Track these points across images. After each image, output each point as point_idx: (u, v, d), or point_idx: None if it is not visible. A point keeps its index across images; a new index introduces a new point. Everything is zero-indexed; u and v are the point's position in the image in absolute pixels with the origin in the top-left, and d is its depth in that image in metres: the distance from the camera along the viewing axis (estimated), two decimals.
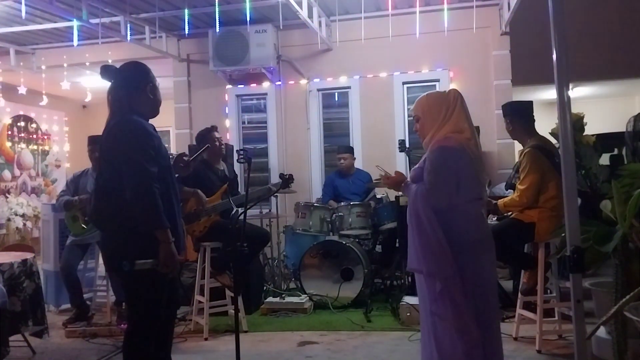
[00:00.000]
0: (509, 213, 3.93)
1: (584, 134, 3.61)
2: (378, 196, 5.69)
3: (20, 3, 5.09)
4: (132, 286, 2.67)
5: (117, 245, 2.61)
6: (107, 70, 2.70)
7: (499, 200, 3.88)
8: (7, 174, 8.58)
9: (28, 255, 4.00)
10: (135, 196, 2.52)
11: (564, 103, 2.00)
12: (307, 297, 5.02)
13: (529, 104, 4.02)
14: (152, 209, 2.51)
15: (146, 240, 2.53)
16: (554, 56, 2.00)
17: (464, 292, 2.55)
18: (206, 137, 4.57)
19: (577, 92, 8.60)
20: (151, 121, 2.78)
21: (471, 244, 2.60)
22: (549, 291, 4.09)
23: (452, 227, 2.58)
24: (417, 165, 2.77)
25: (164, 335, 2.82)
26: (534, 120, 3.96)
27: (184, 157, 3.13)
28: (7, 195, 8.45)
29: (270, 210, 6.09)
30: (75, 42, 5.91)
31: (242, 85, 7.03)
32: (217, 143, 4.59)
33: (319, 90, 6.87)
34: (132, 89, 2.68)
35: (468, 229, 2.62)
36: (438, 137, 2.67)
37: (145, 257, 2.52)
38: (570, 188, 1.96)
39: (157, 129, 2.86)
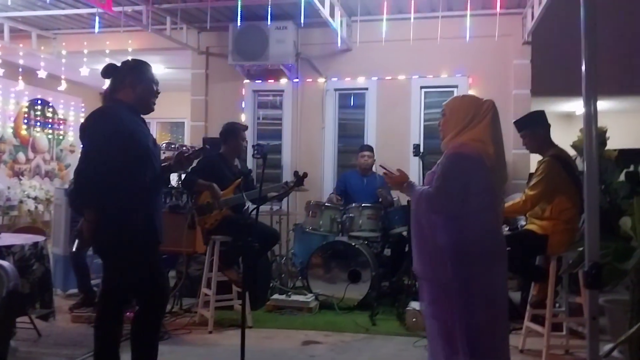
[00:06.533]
0: (523, 224, 3.88)
1: (606, 148, 3.56)
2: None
3: None
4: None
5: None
6: (107, 69, 3.09)
7: None
8: (21, 156, 8.63)
9: (39, 238, 4.01)
10: (76, 176, 2.88)
11: (590, 116, 1.95)
12: (313, 297, 5.00)
13: (544, 112, 4.00)
14: (82, 188, 2.81)
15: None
16: (583, 67, 1.95)
17: (472, 302, 2.51)
18: (236, 134, 4.63)
19: (598, 105, 8.51)
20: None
21: (483, 254, 2.54)
22: (557, 305, 4.04)
23: (464, 236, 2.53)
24: (431, 170, 2.70)
25: (150, 319, 2.92)
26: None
27: (185, 155, 3.13)
28: (20, 177, 8.50)
29: (280, 208, 6.07)
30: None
31: (260, 81, 7.03)
32: (244, 144, 4.71)
33: (336, 90, 6.85)
34: (117, 81, 3.03)
35: (480, 239, 2.55)
36: (456, 142, 2.60)
37: (118, 239, 2.74)
38: (592, 202, 1.91)
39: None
